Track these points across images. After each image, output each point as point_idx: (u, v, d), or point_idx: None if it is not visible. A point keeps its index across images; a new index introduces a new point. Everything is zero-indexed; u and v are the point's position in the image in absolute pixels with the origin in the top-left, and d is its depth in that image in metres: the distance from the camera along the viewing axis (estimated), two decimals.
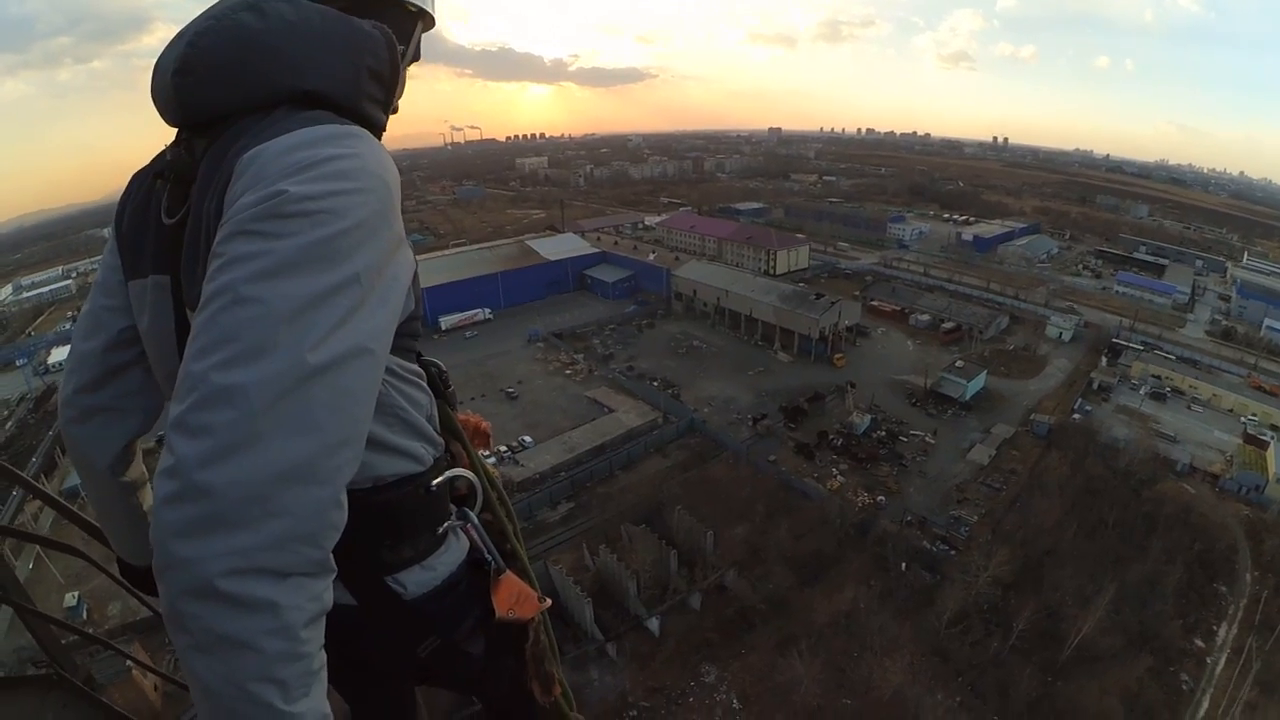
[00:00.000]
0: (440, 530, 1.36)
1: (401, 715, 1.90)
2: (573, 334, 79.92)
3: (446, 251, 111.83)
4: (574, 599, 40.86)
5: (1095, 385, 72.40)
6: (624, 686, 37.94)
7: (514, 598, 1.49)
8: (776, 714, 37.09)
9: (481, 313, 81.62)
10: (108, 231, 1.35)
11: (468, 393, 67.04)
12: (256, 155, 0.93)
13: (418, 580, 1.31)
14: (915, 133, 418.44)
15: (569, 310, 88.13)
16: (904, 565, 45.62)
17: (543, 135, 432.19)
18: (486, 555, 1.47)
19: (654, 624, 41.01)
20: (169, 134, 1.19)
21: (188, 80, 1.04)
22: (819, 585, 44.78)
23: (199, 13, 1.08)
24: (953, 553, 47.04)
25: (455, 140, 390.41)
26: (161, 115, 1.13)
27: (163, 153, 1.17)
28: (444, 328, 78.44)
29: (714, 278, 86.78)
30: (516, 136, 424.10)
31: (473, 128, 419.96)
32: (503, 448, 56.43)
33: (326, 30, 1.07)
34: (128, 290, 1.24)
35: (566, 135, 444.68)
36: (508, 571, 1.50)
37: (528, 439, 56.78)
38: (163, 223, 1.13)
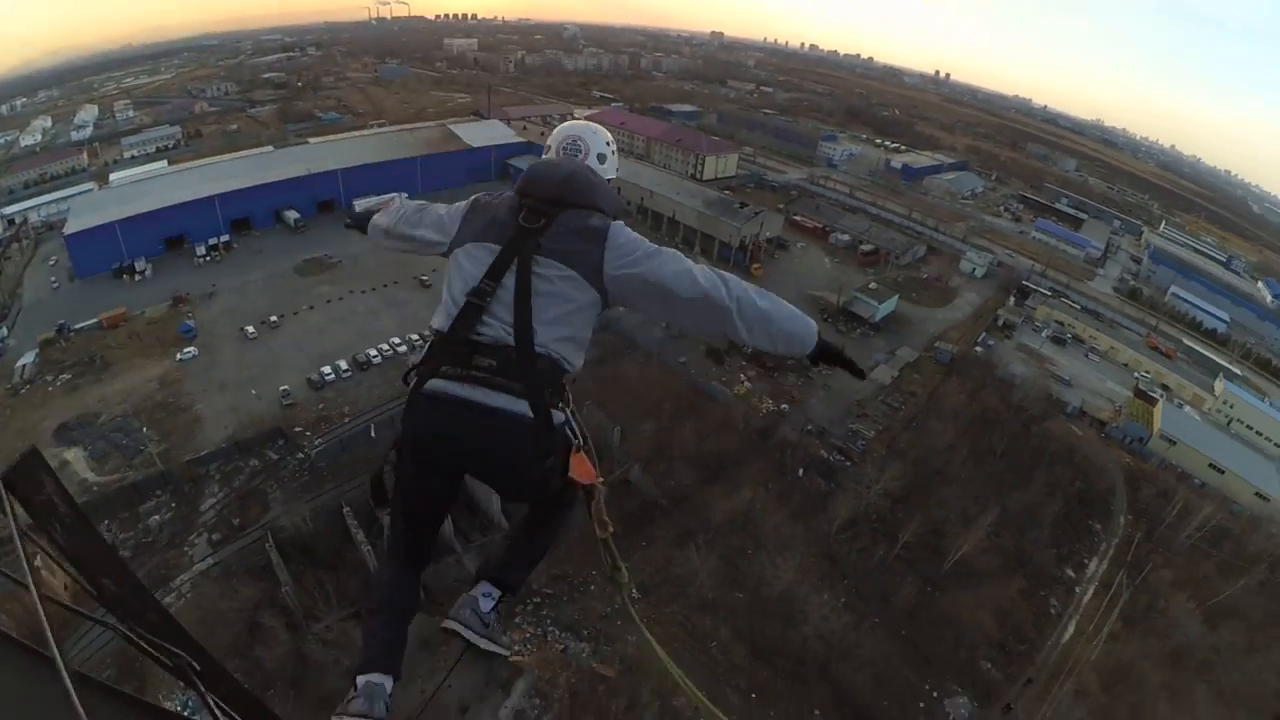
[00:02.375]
0: (568, 399, 3.01)
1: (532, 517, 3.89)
2: None
3: (364, 132, 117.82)
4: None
5: (1000, 322, 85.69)
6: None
7: (580, 465, 2.99)
8: (673, 604, 45.04)
9: (398, 197, 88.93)
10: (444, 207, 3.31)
11: (380, 279, 71.78)
12: (615, 228, 2.91)
13: (557, 418, 2.81)
14: (859, 55, 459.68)
15: None
16: (801, 471, 54.38)
17: (474, 16, 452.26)
18: (575, 432, 3.07)
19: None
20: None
21: (566, 189, 2.94)
22: (719, 485, 52.88)
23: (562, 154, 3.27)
24: (848, 464, 56.18)
25: (381, 15, 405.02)
26: (535, 192, 2.95)
27: (521, 202, 2.98)
28: (358, 210, 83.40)
29: (639, 177, 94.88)
30: (446, 15, 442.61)
31: (400, 3, 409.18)
32: (413, 336, 61.61)
33: (606, 185, 3.18)
34: (461, 240, 3.00)
35: (499, 18, 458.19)
36: (582, 449, 3.07)
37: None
38: (521, 225, 2.85)
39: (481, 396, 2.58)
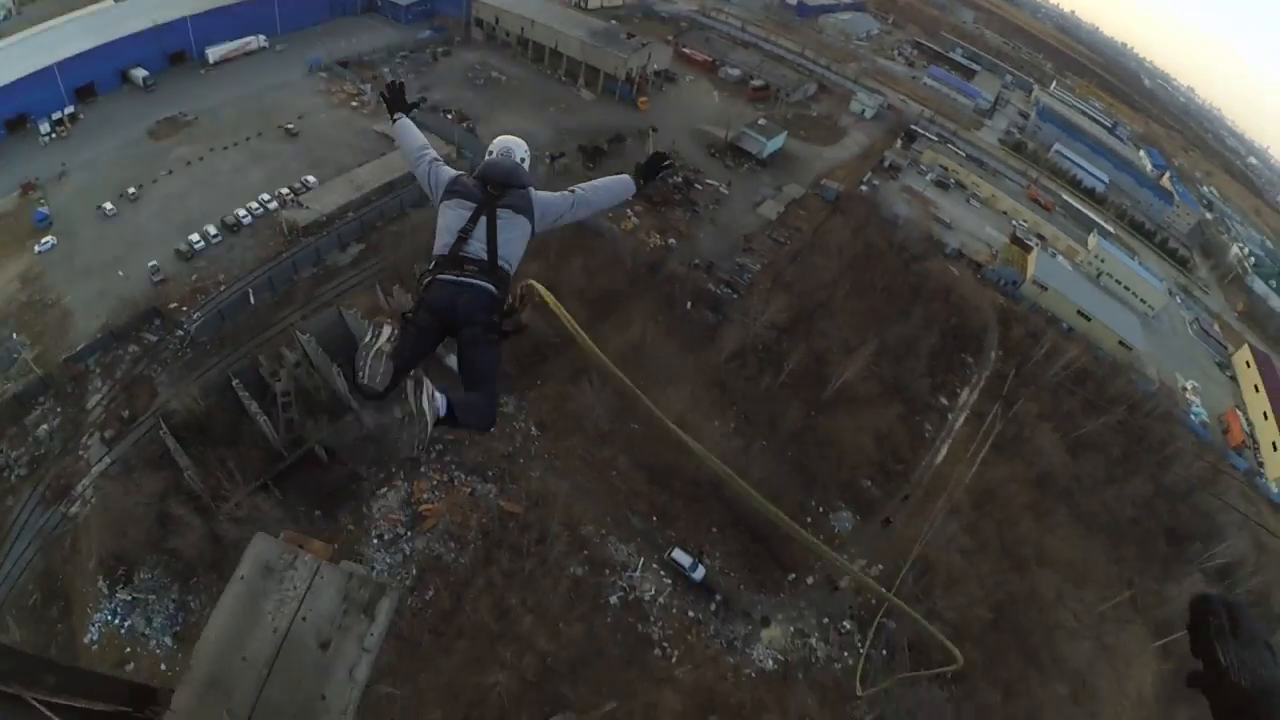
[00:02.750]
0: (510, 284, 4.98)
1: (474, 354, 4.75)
2: (359, 62, 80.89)
3: None
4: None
5: (886, 163, 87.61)
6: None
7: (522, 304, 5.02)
8: (571, 437, 46.53)
9: (255, 40, 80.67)
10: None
11: (242, 133, 66.61)
12: (535, 195, 5.04)
13: (502, 293, 4.82)
14: None
15: (355, 35, 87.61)
16: (689, 304, 55.35)
17: None
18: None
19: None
20: None
21: (510, 177, 5.02)
22: (610, 320, 52.90)
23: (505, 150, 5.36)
24: (735, 296, 57.43)
25: None
26: (492, 176, 4.95)
27: (481, 184, 4.92)
28: (212, 60, 76.07)
29: (520, 5, 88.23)
30: None
31: None
32: (284, 190, 59.08)
33: (527, 172, 5.36)
34: (447, 199, 4.90)
35: None
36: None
37: (311, 179, 60.47)
38: (489, 193, 4.86)
39: (469, 280, 4.61)
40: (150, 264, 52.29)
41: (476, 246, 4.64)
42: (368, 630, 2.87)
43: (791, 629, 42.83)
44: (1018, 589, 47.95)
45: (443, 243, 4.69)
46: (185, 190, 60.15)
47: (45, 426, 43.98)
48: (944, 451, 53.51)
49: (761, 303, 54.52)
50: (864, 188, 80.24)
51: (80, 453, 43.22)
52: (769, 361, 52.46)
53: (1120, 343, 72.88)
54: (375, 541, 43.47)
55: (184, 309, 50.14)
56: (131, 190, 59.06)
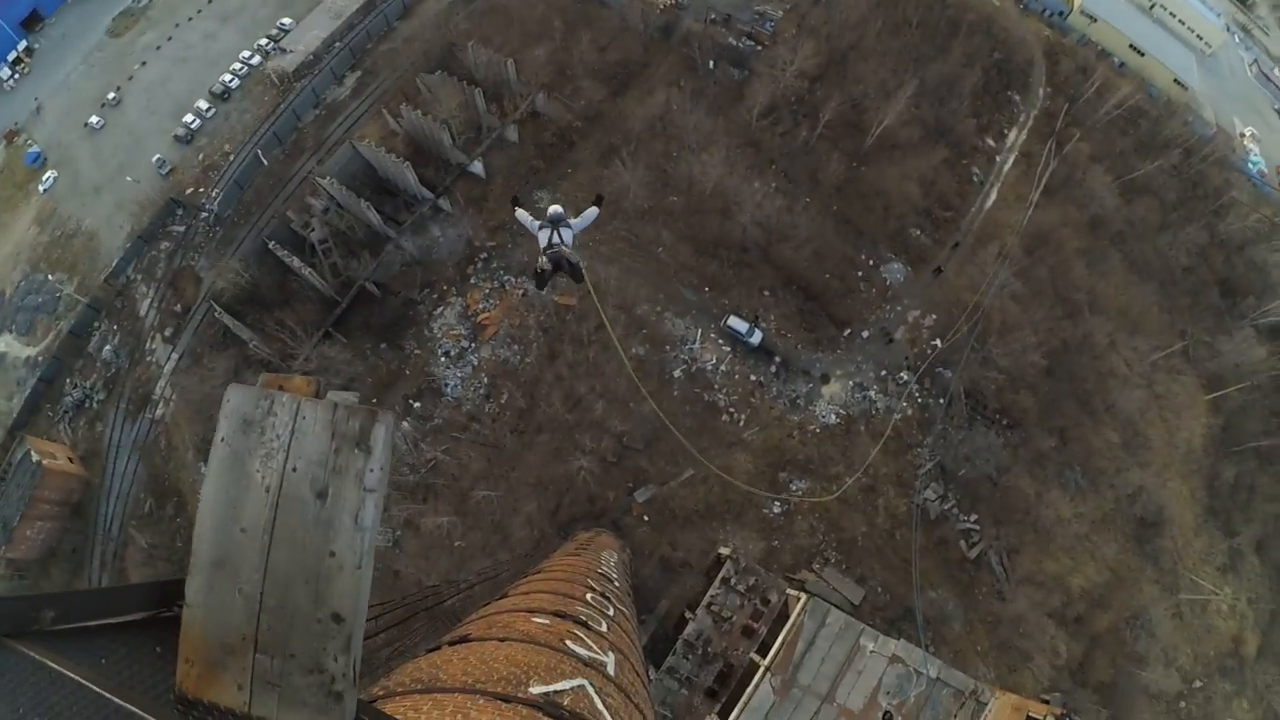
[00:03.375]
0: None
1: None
2: None
3: None
4: (393, 168, 46.19)
5: None
6: (466, 234, 46.87)
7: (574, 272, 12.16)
8: (612, 221, 46.11)
9: None
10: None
11: None
12: (575, 224, 12.42)
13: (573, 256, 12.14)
14: None
15: None
16: (711, 64, 52.17)
17: None
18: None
19: (478, 167, 48.02)
20: None
21: (561, 219, 12.04)
22: (630, 94, 51.32)
23: None
24: (759, 48, 53.84)
25: None
26: (554, 220, 11.84)
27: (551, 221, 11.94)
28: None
29: None
30: None
31: None
32: (262, 41, 57.46)
33: (573, 218, 13.02)
34: (539, 229, 12.19)
35: None
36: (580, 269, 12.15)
37: (286, 21, 58.86)
38: (553, 222, 12.19)
39: (562, 249, 11.72)
40: (154, 159, 53.03)
41: (559, 243, 11.37)
42: (366, 466, 2.56)
43: (850, 383, 45.05)
44: (1071, 336, 49.62)
45: (540, 244, 11.43)
46: (164, 75, 59.03)
47: (108, 347, 47.25)
48: (993, 196, 52.96)
49: (788, 51, 51.14)
50: None
51: (148, 359, 46.65)
52: (804, 114, 50.15)
53: (1175, 81, 69.61)
54: (443, 360, 45.32)
55: (201, 190, 51.11)
56: (111, 96, 58.56)
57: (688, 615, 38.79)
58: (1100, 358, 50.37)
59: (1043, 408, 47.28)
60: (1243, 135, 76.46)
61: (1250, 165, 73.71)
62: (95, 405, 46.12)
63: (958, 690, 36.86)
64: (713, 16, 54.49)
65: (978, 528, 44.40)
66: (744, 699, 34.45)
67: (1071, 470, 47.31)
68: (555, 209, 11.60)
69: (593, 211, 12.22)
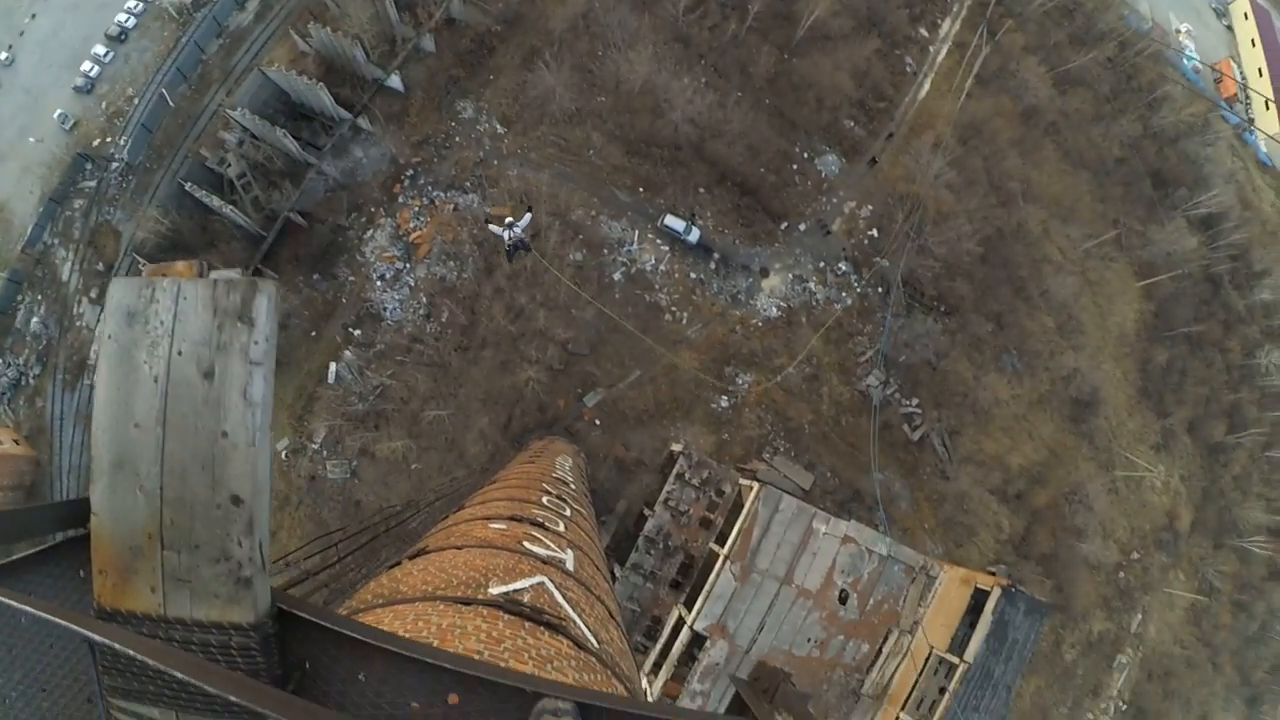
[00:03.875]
0: None
1: None
2: None
3: None
4: (306, 91, 44.20)
5: None
6: (390, 152, 45.26)
7: None
8: (540, 126, 45.15)
9: None
10: None
11: None
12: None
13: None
14: None
15: None
16: None
17: None
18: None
19: (395, 81, 46.08)
20: None
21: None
22: None
23: None
24: None
25: None
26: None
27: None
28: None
29: None
30: None
31: None
32: None
33: None
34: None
35: None
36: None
37: None
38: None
39: (517, 236, 23.70)
40: (56, 115, 50.13)
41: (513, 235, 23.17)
42: (250, 339, 2.47)
43: (790, 276, 45.37)
44: (1005, 224, 50.44)
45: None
46: (55, 25, 55.31)
47: (36, 319, 45.19)
48: (927, 86, 52.88)
49: None
50: None
51: (78, 324, 44.78)
52: (732, 6, 48.31)
53: None
54: (379, 283, 44.18)
55: (108, 140, 48.45)
56: (3, 56, 55.02)
57: (646, 512, 39.62)
58: (1034, 245, 51.34)
59: (979, 294, 48.21)
60: (1178, 31, 77.14)
61: (1185, 61, 74.55)
62: (32, 381, 44.83)
63: (908, 566, 38.32)
64: None
65: (919, 411, 45.60)
66: (707, 587, 35.48)
67: (1008, 354, 48.61)
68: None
69: (528, 216, 19.85)
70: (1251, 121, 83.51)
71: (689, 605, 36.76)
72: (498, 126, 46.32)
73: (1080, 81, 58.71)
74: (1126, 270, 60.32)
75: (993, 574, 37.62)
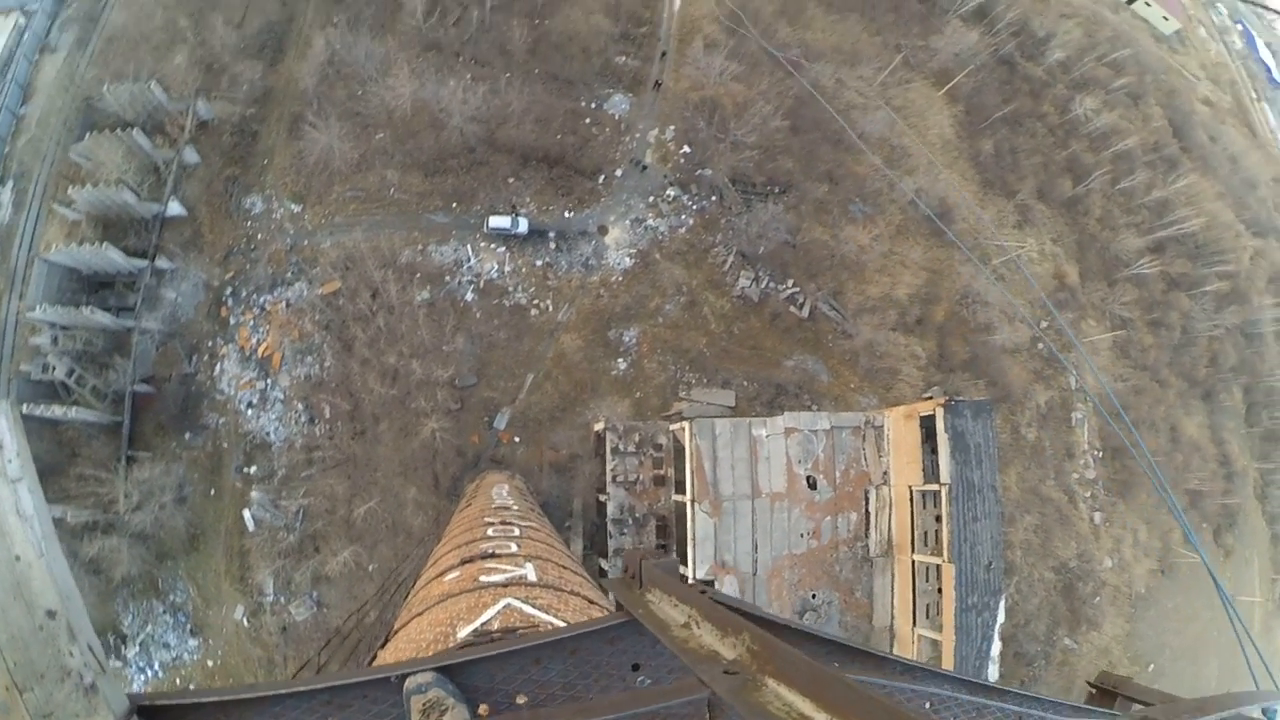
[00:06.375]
0: None
1: None
2: None
3: None
4: (94, 258, 42.40)
5: None
6: (201, 279, 42.83)
7: None
8: (332, 187, 43.84)
9: None
10: None
11: None
12: None
13: None
14: None
15: None
16: None
17: None
18: None
19: (176, 207, 43.63)
20: None
21: None
22: (288, 55, 47.59)
23: None
24: None
25: None
26: None
27: None
28: None
29: None
30: None
31: None
32: None
33: None
34: None
35: None
36: None
37: None
38: None
39: None
40: None
41: None
42: (3, 460, 2.49)
43: (628, 222, 44.96)
44: (800, 90, 50.76)
45: None
46: None
47: None
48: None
49: None
50: None
51: None
52: None
53: None
54: (250, 412, 41.98)
55: None
56: None
57: (602, 498, 39.17)
58: (834, 98, 52.10)
59: (804, 163, 48.82)
60: None
61: None
62: None
63: (854, 427, 38.70)
64: None
65: (798, 289, 46.06)
66: (689, 537, 35.23)
67: (853, 203, 49.55)
68: None
69: None
70: None
71: (683, 560, 36.43)
72: (292, 207, 44.35)
73: (811, 25, 59.45)
74: (925, 85, 62.16)
75: (929, 398, 38.43)
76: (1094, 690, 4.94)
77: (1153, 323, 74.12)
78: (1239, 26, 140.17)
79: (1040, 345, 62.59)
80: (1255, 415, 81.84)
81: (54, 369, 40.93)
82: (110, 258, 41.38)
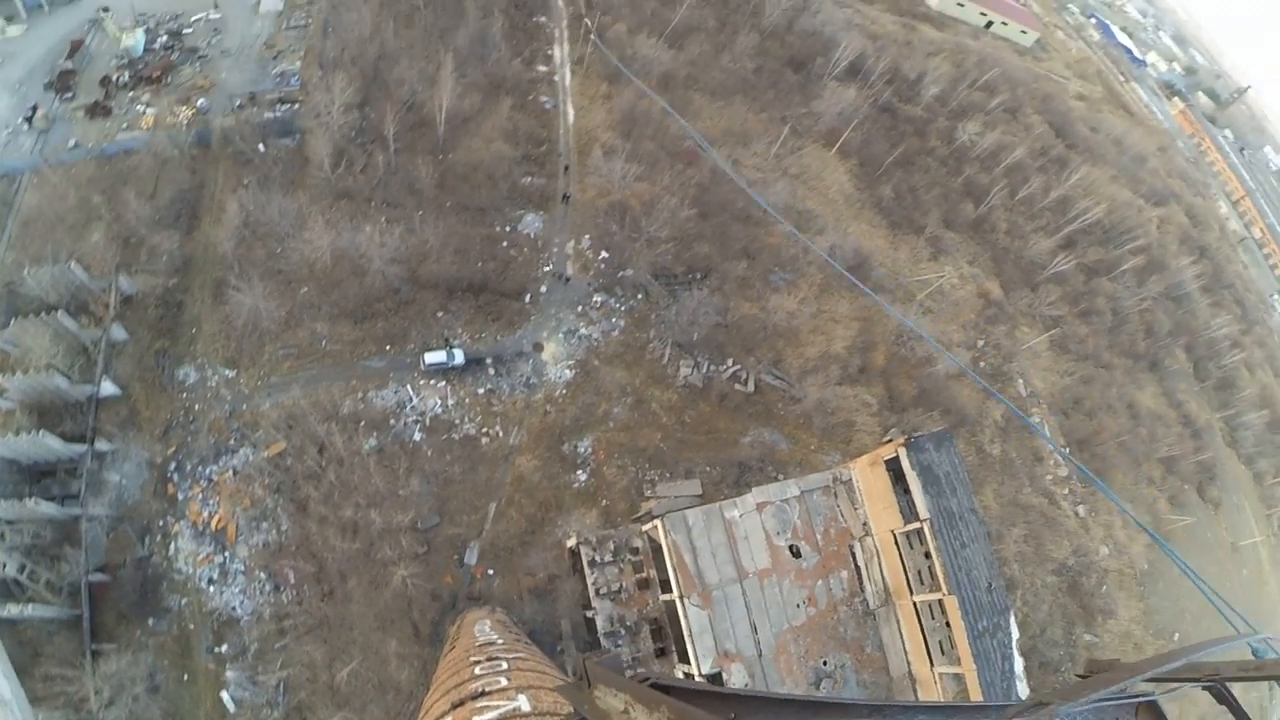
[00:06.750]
0: None
1: None
2: None
3: None
4: (31, 447, 41.24)
5: None
6: (143, 457, 42.07)
7: None
8: (264, 349, 43.75)
9: None
10: None
11: None
12: None
13: None
14: None
15: None
16: (262, 146, 49.78)
17: None
18: None
19: (109, 387, 42.94)
20: None
21: None
22: (203, 222, 47.89)
23: None
24: (297, 106, 51.90)
25: None
26: None
27: None
28: None
29: None
30: None
31: None
32: None
33: None
34: None
35: None
36: None
37: None
38: None
39: None
40: None
41: None
42: None
43: (561, 335, 45.69)
44: (701, 178, 53.49)
45: None
46: None
47: None
48: (571, 111, 55.79)
49: (324, 93, 50.13)
50: None
51: None
52: (371, 140, 49.60)
53: None
54: (212, 589, 40.55)
55: None
56: None
57: (589, 614, 38.24)
58: (733, 179, 54.21)
59: (718, 245, 50.64)
60: None
61: None
62: None
63: (824, 487, 38.97)
64: (238, 102, 51.96)
65: (738, 366, 47.01)
66: (686, 633, 34.55)
67: (773, 272, 51.09)
68: None
69: None
70: None
71: (684, 659, 35.67)
72: (226, 372, 44.15)
73: (690, 30, 63.39)
74: (816, 148, 65.53)
75: (889, 441, 38.90)
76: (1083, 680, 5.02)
77: (1082, 313, 77.19)
78: (1093, 20, 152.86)
79: (982, 364, 64.59)
80: (1203, 370, 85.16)
81: (4, 565, 39.14)
82: (49, 445, 40.39)
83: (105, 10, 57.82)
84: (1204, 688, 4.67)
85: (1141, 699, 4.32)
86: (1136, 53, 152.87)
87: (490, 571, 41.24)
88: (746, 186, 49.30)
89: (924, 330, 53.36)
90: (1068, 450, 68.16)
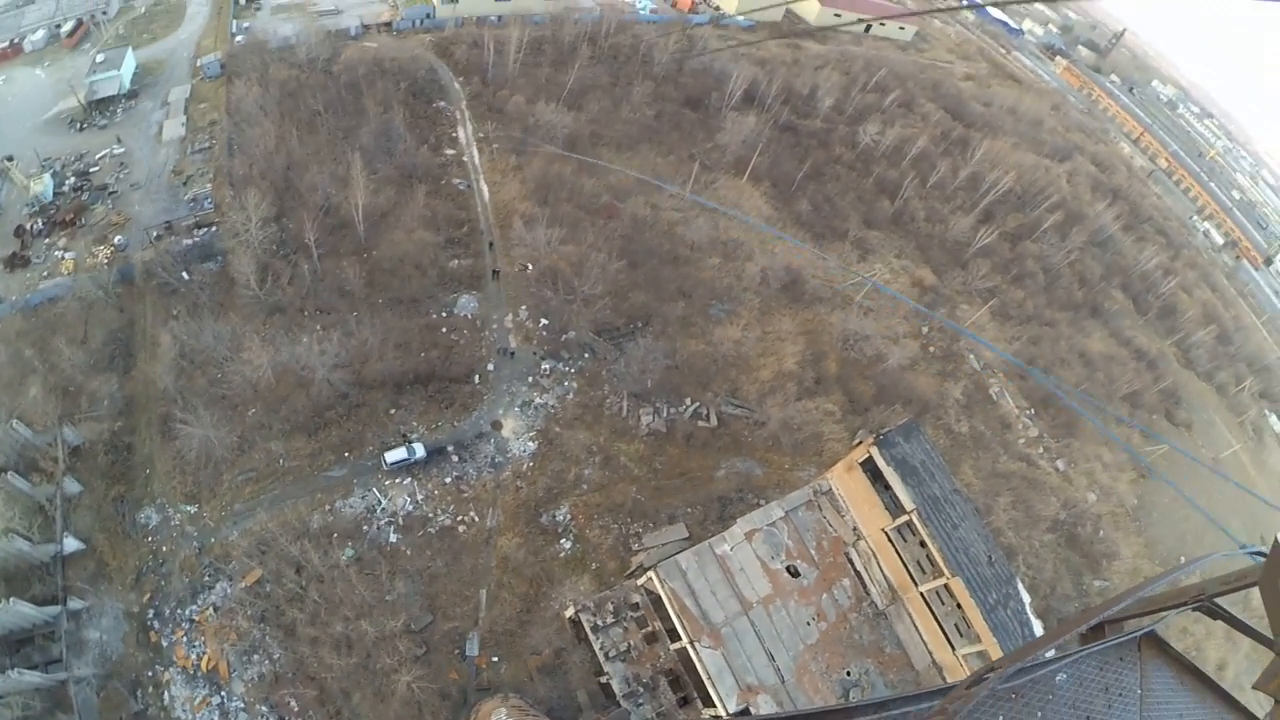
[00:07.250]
0: None
1: None
2: None
3: None
4: (4, 616, 37.21)
5: (242, 1, 79.57)
6: (119, 609, 40.09)
7: None
8: (222, 478, 43.24)
9: None
10: None
11: None
12: None
13: None
14: None
15: None
16: (186, 274, 49.34)
17: None
18: None
19: (72, 542, 41.13)
20: None
21: None
22: (139, 360, 47.07)
23: None
24: (214, 228, 51.96)
25: None
26: None
27: None
28: None
29: None
30: None
31: None
32: None
33: None
34: None
35: None
36: None
37: None
38: None
39: None
40: None
41: None
42: None
43: (516, 409, 45.96)
44: (623, 228, 54.94)
45: None
46: None
47: None
48: (485, 188, 57.03)
49: (240, 211, 50.15)
50: (239, 39, 73.00)
51: None
52: (293, 250, 50.03)
53: None
54: None
55: None
56: None
57: (603, 680, 37.73)
58: (655, 224, 55.82)
59: (653, 291, 51.81)
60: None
61: (640, 9, 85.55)
62: None
63: (806, 502, 39.32)
64: (155, 234, 51.73)
65: (697, 403, 47.85)
66: (705, 676, 34.21)
67: (711, 306, 52.29)
68: None
69: None
70: (718, 9, 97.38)
71: (708, 702, 35.30)
72: (188, 509, 43.23)
73: (586, 89, 65.54)
74: (729, 178, 67.83)
75: (859, 444, 39.51)
76: (1083, 634, 5.24)
77: (1015, 279, 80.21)
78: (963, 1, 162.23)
79: (931, 349, 66.45)
80: (1143, 303, 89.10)
81: None
82: (21, 612, 38.77)
83: (9, 159, 57.30)
84: (1194, 609, 4.75)
85: (1140, 634, 4.40)
86: (1012, 23, 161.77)
87: (495, 659, 40.62)
88: (731, 210, 50.54)
89: (970, 331, 54.75)
90: (1033, 411, 69.94)
